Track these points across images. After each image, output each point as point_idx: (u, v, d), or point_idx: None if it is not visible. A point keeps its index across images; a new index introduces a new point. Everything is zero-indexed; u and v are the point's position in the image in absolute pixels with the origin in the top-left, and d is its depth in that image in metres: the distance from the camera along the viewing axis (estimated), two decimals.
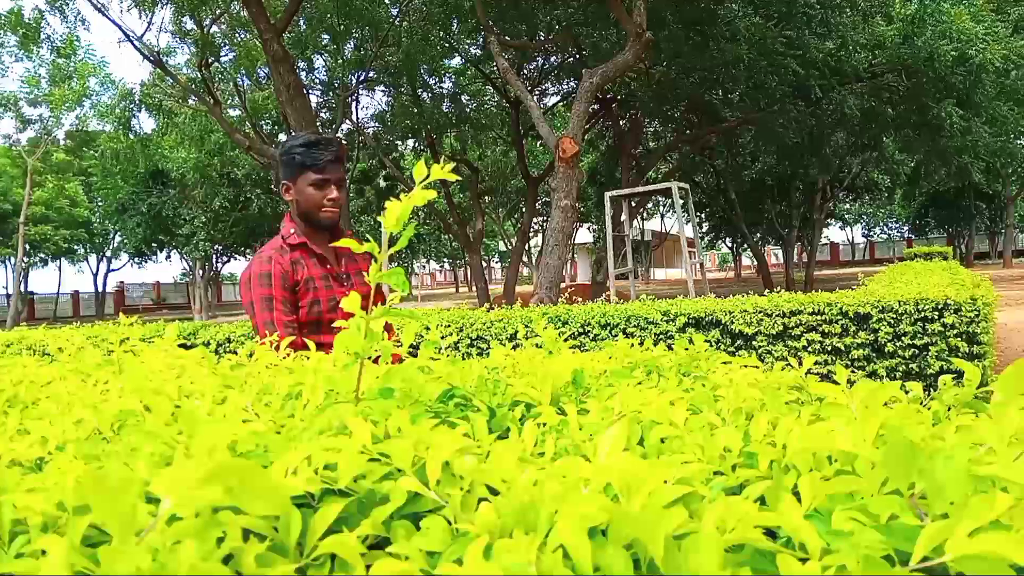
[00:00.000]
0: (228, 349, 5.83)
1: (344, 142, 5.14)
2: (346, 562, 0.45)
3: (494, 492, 0.52)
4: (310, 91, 17.44)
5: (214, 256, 31.05)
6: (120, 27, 13.36)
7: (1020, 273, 27.43)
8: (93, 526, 0.48)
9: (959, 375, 0.81)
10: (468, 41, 17.73)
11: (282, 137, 22.28)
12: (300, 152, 2.26)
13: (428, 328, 1.63)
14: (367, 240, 0.78)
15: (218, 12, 15.10)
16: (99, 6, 13.29)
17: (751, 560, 0.43)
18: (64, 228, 36.12)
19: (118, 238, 37.07)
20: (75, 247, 39.93)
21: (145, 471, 0.49)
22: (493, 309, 5.73)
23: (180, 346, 1.57)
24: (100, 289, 43.37)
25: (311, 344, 1.32)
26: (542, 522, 0.44)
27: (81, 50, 27.52)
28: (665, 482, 0.51)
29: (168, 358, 1.43)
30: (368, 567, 0.45)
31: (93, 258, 42.77)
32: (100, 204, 34.16)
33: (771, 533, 0.48)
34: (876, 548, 0.42)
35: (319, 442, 0.60)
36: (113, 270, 43.76)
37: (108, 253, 41.61)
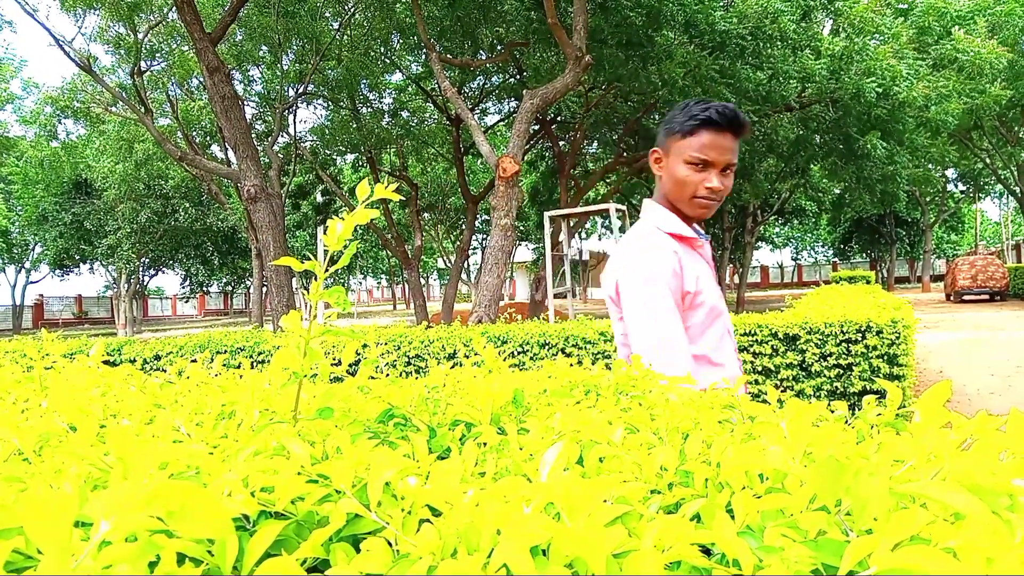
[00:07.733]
0: (156, 367, 5.64)
1: None
2: None
3: (436, 513, 0.52)
4: (246, 102, 17.12)
5: (140, 269, 30.07)
6: (50, 31, 12.89)
7: (938, 297, 28.77)
8: (16, 551, 0.46)
9: (881, 395, 0.84)
10: (409, 58, 17.72)
11: (215, 149, 21.75)
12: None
13: (366, 346, 1.61)
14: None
15: (154, 20, 14.72)
16: (28, 9, 12.79)
17: None
18: None
19: (38, 249, 35.58)
20: None
21: (74, 493, 0.48)
22: (431, 327, 5.69)
23: (104, 363, 1.51)
24: (18, 302, 41.44)
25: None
26: (485, 542, 0.44)
27: (1, 49, 26.50)
28: (605, 501, 0.52)
29: (92, 375, 1.38)
30: None
31: (11, 270, 40.90)
32: (20, 213, 32.73)
33: (706, 550, 0.50)
34: (805, 562, 0.43)
35: (256, 463, 0.58)
36: (33, 282, 41.92)
37: (27, 264, 39.85)
